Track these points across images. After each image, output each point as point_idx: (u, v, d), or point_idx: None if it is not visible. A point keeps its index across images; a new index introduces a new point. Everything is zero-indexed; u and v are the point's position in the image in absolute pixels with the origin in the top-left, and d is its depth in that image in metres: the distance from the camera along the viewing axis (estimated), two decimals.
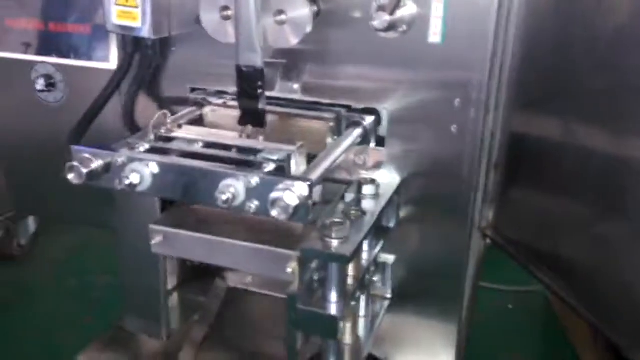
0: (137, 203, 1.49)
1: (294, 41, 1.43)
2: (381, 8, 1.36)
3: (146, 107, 1.72)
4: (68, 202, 1.94)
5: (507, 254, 1.73)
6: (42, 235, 2.73)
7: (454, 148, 1.49)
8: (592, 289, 1.50)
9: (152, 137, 1.36)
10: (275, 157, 1.25)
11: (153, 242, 1.33)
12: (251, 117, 1.42)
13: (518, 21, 1.54)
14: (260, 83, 1.38)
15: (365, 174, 1.53)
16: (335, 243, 1.21)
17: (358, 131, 1.46)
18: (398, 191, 1.53)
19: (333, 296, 1.27)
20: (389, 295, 1.63)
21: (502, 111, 1.60)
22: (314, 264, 1.30)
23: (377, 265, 1.58)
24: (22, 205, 2.13)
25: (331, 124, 1.46)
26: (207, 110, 1.58)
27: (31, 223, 2.64)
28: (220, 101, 1.59)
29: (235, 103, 1.45)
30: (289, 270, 1.25)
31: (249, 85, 1.38)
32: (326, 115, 1.50)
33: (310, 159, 1.33)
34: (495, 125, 1.59)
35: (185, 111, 1.59)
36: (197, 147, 1.33)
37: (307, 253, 1.22)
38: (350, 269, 1.36)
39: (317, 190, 1.20)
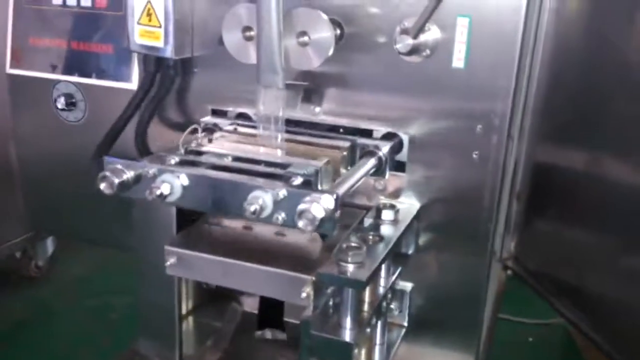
0: (153, 223, 1.48)
1: (316, 63, 1.42)
2: (405, 32, 1.35)
3: (159, 130, 1.72)
4: (86, 222, 1.94)
5: (528, 285, 1.69)
6: (60, 256, 2.73)
7: (475, 175, 1.46)
8: (615, 324, 1.46)
9: (182, 150, 1.37)
10: (303, 172, 1.25)
11: (167, 263, 1.32)
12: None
13: (545, 48, 1.52)
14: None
15: (384, 200, 1.51)
16: (351, 268, 1.19)
17: (372, 162, 1.44)
18: (417, 217, 1.50)
19: (348, 322, 1.25)
20: (405, 324, 1.60)
21: (526, 140, 1.58)
22: (329, 290, 1.27)
23: (395, 293, 1.55)
24: (40, 225, 2.13)
25: (344, 153, 1.44)
26: (216, 135, 1.55)
27: (49, 244, 2.64)
28: (231, 127, 1.58)
29: (245, 130, 1.45)
30: (304, 294, 1.23)
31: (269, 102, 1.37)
32: (340, 144, 1.47)
33: None
34: (519, 154, 1.57)
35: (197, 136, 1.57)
36: (227, 161, 1.34)
37: (322, 277, 1.19)
38: (367, 295, 1.33)
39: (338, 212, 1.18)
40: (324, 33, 1.40)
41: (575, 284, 1.58)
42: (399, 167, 1.51)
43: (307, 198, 1.12)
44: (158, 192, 1.20)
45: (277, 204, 1.16)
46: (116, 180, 1.22)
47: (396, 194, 1.53)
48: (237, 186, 1.19)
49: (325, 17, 1.40)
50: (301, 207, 1.11)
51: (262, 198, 1.15)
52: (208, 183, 1.22)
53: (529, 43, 1.48)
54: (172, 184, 1.22)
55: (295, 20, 1.41)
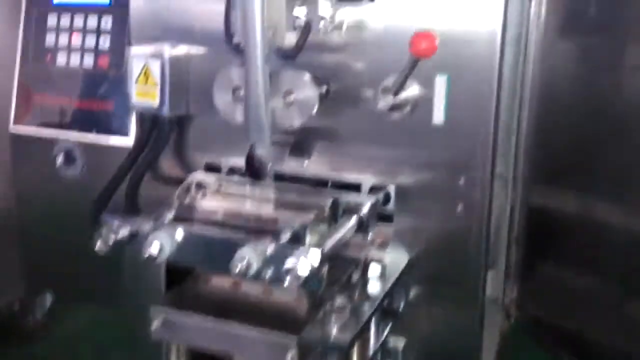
0: (142, 283, 1.49)
1: (299, 122, 1.45)
2: (385, 90, 1.38)
3: (153, 184, 1.75)
4: (82, 279, 1.96)
5: (531, 334, 1.66)
6: (58, 310, 2.72)
7: (462, 226, 1.47)
8: None
9: (176, 206, 1.40)
10: (292, 227, 1.27)
11: (153, 326, 1.32)
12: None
13: (532, 96, 1.55)
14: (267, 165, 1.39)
15: (372, 252, 1.50)
16: (334, 330, 1.18)
17: (354, 220, 1.41)
18: (407, 270, 1.49)
19: None
20: None
21: (520, 184, 1.59)
22: (316, 352, 1.26)
23: (386, 351, 1.52)
24: (37, 280, 2.16)
25: (326, 212, 1.42)
26: (209, 190, 1.55)
27: (48, 297, 2.66)
28: (215, 186, 1.57)
29: (230, 189, 1.47)
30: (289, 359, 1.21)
31: (257, 166, 1.39)
32: (322, 201, 1.44)
33: None
34: (515, 198, 1.58)
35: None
36: (218, 216, 1.36)
37: (305, 341, 1.18)
38: (355, 356, 1.32)
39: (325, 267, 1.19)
40: (308, 93, 1.43)
41: (577, 334, 1.55)
42: (387, 218, 1.52)
43: (294, 254, 1.13)
44: (151, 250, 1.22)
45: (265, 261, 1.17)
46: (111, 239, 1.24)
47: (384, 246, 1.52)
48: (226, 243, 1.21)
49: (309, 78, 1.44)
50: (287, 264, 1.12)
51: (250, 255, 1.16)
52: (199, 240, 1.24)
53: (515, 92, 1.51)
54: (166, 241, 1.23)
55: (282, 80, 1.44)
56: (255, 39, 1.31)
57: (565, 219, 1.57)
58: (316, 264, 1.12)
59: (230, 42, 1.48)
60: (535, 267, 1.67)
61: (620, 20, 1.45)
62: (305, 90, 1.43)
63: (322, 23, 1.43)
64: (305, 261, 1.12)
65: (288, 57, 1.44)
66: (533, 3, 1.60)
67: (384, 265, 1.42)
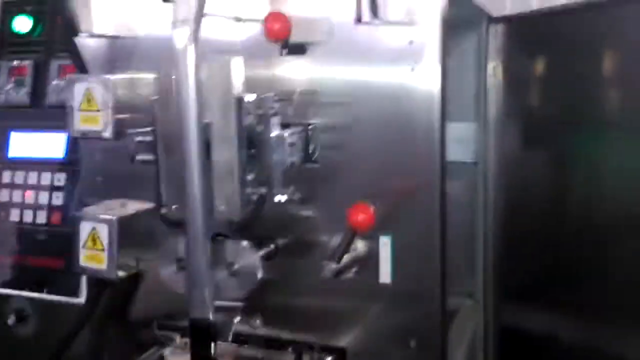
0: None
1: (244, 292, 1.43)
2: (329, 256, 1.37)
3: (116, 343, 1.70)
4: None
5: None
6: None
7: None
8: None
9: None
10: None
11: None
12: None
13: (496, 223, 1.59)
14: (211, 337, 1.35)
15: None
16: None
17: None
18: None
19: None
20: None
21: (492, 306, 1.62)
22: None
23: None
24: None
25: None
26: (167, 352, 1.54)
27: None
28: (182, 341, 1.56)
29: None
30: None
31: (201, 338, 1.36)
32: (287, 356, 1.44)
33: None
34: (487, 321, 1.60)
35: (147, 353, 1.56)
36: None
37: None
38: None
39: None
40: (250, 262, 1.42)
41: None
42: None
43: None
44: None
45: None
46: None
47: None
48: None
49: (249, 247, 1.42)
50: None
51: None
52: None
53: (477, 220, 1.54)
54: None
55: (223, 251, 1.43)
56: (196, 214, 1.31)
57: (538, 339, 1.56)
58: None
59: (161, 216, 1.46)
60: None
61: (582, 130, 1.48)
62: (247, 259, 1.42)
63: (277, 197, 1.41)
64: None
65: (242, 230, 1.42)
66: (491, 128, 1.64)
67: None
